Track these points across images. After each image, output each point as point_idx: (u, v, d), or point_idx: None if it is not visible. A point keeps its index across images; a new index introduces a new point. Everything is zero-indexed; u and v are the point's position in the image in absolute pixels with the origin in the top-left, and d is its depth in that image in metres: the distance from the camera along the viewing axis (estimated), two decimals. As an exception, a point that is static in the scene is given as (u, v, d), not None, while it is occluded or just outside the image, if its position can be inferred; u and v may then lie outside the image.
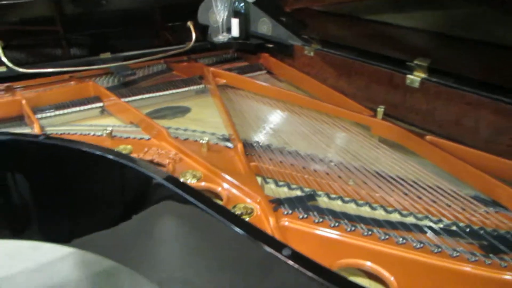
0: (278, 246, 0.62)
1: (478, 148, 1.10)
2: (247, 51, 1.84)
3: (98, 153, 0.92)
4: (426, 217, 0.85)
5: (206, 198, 0.77)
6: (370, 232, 0.78)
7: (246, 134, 1.22)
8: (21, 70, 1.37)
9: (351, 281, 0.59)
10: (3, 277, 1.85)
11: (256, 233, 0.67)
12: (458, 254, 0.73)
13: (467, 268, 0.71)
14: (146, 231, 0.96)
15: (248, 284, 0.74)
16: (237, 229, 0.68)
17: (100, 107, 1.38)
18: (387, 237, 0.77)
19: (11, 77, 1.40)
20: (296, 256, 0.59)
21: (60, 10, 1.53)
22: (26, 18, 1.49)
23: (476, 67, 1.22)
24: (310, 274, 0.57)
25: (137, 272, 1.03)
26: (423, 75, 1.30)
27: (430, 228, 0.81)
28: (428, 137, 1.13)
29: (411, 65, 1.32)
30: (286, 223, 0.81)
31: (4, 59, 1.35)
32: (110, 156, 0.91)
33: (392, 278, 0.69)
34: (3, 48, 1.36)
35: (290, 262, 0.58)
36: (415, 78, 1.31)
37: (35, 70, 1.41)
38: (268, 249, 0.62)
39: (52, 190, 1.04)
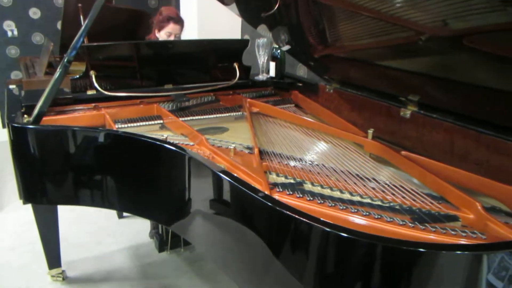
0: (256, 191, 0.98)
1: (453, 166, 1.38)
2: (281, 88, 2.24)
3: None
4: (379, 200, 1.17)
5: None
6: (333, 204, 1.11)
7: (266, 145, 1.59)
8: (106, 93, 1.85)
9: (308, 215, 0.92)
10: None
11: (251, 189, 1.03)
12: (392, 219, 1.04)
13: (394, 228, 1.02)
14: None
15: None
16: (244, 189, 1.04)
17: (161, 123, 1.81)
18: (345, 207, 1.10)
19: (98, 99, 1.88)
20: (267, 197, 0.95)
21: (137, 51, 2.02)
22: (112, 55, 1.99)
23: (453, 102, 1.52)
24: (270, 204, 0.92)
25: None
26: (413, 108, 1.62)
27: (379, 206, 1.13)
28: (403, 152, 1.44)
29: (404, 100, 1.64)
30: (277, 197, 1.16)
31: (96, 85, 1.84)
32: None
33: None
34: (96, 77, 1.85)
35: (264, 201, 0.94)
36: (407, 110, 1.63)
37: (116, 94, 1.88)
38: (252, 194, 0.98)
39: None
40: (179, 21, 2.43)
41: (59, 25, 4.03)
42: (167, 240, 2.29)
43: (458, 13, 1.15)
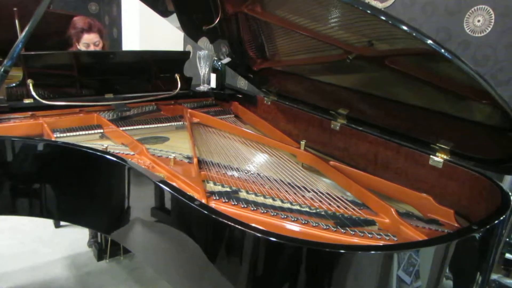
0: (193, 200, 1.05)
1: (376, 174, 1.52)
2: (221, 99, 2.32)
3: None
4: (307, 207, 1.27)
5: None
6: (265, 211, 1.20)
7: (205, 155, 1.66)
8: (44, 102, 1.83)
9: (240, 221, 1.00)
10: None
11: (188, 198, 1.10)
12: (317, 224, 1.15)
13: (319, 232, 1.12)
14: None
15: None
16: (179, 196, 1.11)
17: (101, 132, 1.82)
18: (275, 214, 1.19)
19: (36, 107, 1.86)
20: (203, 205, 1.02)
21: (77, 59, 2.02)
22: (51, 64, 1.97)
23: (377, 116, 1.66)
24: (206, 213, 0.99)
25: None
26: (342, 121, 1.75)
27: (307, 212, 1.23)
28: (332, 162, 1.56)
29: (334, 113, 1.78)
30: (213, 204, 1.23)
31: (33, 93, 1.82)
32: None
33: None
34: (33, 85, 1.83)
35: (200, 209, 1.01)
36: (337, 123, 1.76)
37: (54, 102, 1.86)
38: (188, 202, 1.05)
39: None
40: (92, 30, 2.37)
41: (-9, 28, 3.87)
42: (106, 249, 2.29)
43: (381, 36, 1.28)
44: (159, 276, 1.76)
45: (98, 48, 2.39)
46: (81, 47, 2.38)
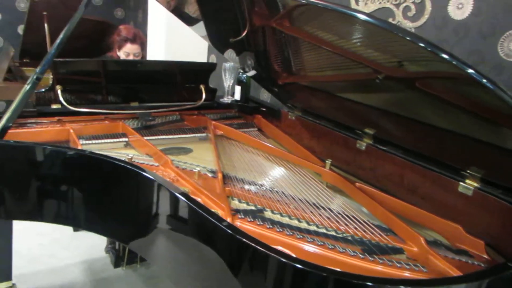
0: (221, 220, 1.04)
1: (401, 198, 1.49)
2: (245, 112, 2.31)
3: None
4: (334, 230, 1.25)
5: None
6: (291, 233, 1.19)
7: (229, 169, 1.65)
8: (71, 108, 1.85)
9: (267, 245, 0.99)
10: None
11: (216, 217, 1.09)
12: (344, 250, 1.13)
13: (346, 259, 1.10)
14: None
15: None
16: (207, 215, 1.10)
17: (125, 141, 1.83)
18: (301, 236, 1.17)
19: (62, 113, 1.88)
20: (231, 227, 1.01)
21: (105, 67, 2.04)
22: (79, 70, 2.00)
23: (405, 138, 1.64)
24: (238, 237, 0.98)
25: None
26: (368, 141, 1.73)
27: (333, 236, 1.21)
28: (358, 184, 1.54)
29: (360, 132, 1.76)
30: (239, 223, 1.22)
31: (61, 99, 1.84)
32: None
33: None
34: (62, 91, 1.85)
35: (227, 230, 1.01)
36: (363, 143, 1.74)
37: (81, 109, 1.88)
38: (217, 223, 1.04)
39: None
40: (136, 41, 2.46)
41: (20, 30, 3.96)
42: (123, 256, 2.29)
43: (413, 58, 1.26)
44: (175, 286, 1.76)
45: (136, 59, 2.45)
46: (121, 54, 2.44)
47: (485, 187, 1.32)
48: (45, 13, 3.15)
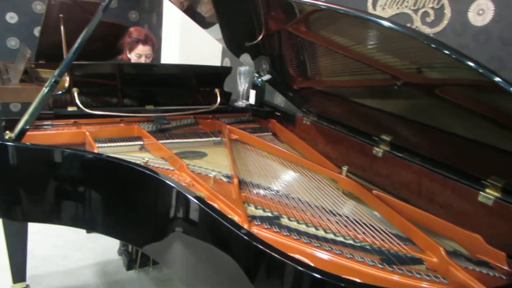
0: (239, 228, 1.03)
1: (419, 206, 1.46)
2: (259, 116, 2.30)
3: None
4: (351, 239, 1.23)
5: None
6: (309, 241, 1.17)
7: (244, 174, 1.64)
8: (87, 110, 1.86)
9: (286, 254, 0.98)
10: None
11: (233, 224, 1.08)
12: (363, 260, 1.11)
13: (365, 268, 1.08)
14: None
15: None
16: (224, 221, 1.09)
17: (141, 144, 1.83)
18: (319, 245, 1.16)
19: (78, 115, 1.89)
20: (249, 235, 1.00)
21: (121, 70, 2.04)
22: (96, 73, 2.01)
23: (423, 145, 1.61)
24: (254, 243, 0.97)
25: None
26: (385, 148, 1.71)
27: (351, 245, 1.19)
28: (375, 192, 1.51)
29: (377, 139, 1.73)
30: (255, 230, 1.21)
31: (77, 102, 1.85)
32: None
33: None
34: (78, 94, 1.86)
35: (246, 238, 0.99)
36: (379, 149, 1.72)
37: (97, 112, 1.89)
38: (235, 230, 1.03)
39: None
40: (147, 42, 2.45)
41: (36, 31, 4.00)
42: (136, 259, 2.29)
43: (433, 64, 1.24)
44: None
45: (148, 61, 2.44)
46: (133, 56, 2.44)
47: (506, 197, 1.30)
48: (61, 15, 3.18)
